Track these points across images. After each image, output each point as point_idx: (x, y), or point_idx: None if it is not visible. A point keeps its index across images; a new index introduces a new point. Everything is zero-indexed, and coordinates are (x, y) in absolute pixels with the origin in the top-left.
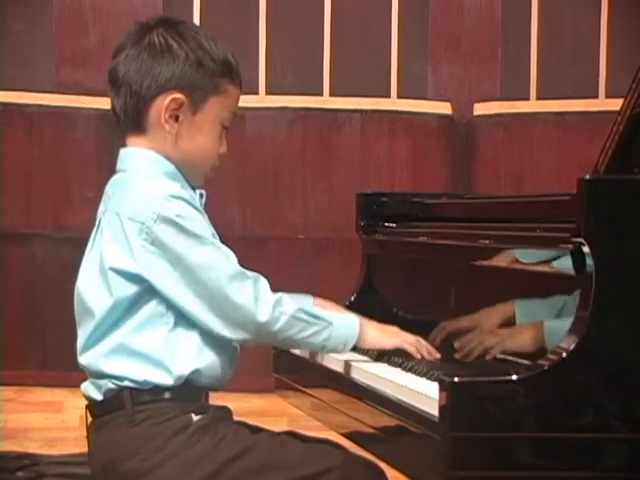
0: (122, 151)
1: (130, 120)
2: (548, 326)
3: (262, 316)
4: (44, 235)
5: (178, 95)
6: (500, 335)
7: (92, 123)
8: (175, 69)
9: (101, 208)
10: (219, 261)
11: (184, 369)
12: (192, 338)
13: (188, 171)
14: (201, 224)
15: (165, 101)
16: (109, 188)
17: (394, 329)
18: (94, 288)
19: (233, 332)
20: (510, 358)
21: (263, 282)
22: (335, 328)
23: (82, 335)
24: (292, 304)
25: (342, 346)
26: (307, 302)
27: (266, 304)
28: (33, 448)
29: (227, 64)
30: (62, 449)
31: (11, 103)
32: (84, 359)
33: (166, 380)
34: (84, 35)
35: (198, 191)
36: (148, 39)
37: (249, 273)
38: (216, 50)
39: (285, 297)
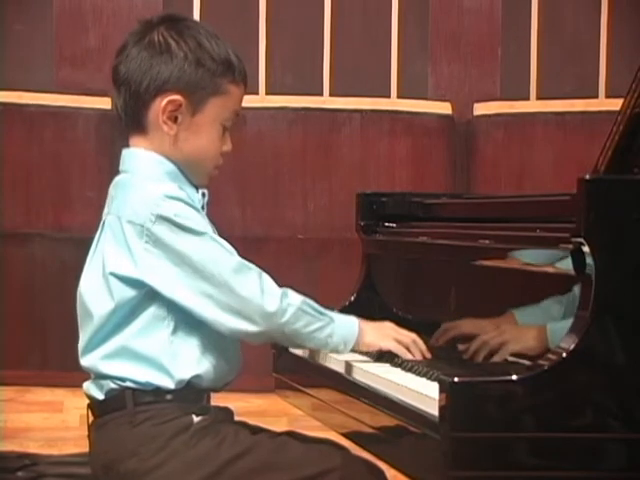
0: (124, 151)
1: (131, 120)
2: (551, 327)
3: (270, 306)
4: (44, 235)
5: (176, 97)
6: (503, 337)
7: (92, 123)
8: (173, 69)
9: (105, 210)
10: (221, 255)
11: (185, 373)
12: (193, 342)
13: (190, 171)
14: (199, 221)
15: (163, 103)
16: (112, 190)
17: (390, 327)
18: (96, 291)
19: (243, 324)
20: (511, 359)
21: (266, 275)
22: (337, 325)
23: (83, 337)
24: (298, 296)
25: (343, 345)
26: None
27: (273, 295)
28: (33, 448)
29: (228, 63)
30: (62, 449)
31: (11, 103)
32: (86, 361)
33: (167, 383)
34: (84, 35)
35: (200, 190)
36: (149, 38)
37: (252, 265)
38: (217, 49)
39: (290, 290)
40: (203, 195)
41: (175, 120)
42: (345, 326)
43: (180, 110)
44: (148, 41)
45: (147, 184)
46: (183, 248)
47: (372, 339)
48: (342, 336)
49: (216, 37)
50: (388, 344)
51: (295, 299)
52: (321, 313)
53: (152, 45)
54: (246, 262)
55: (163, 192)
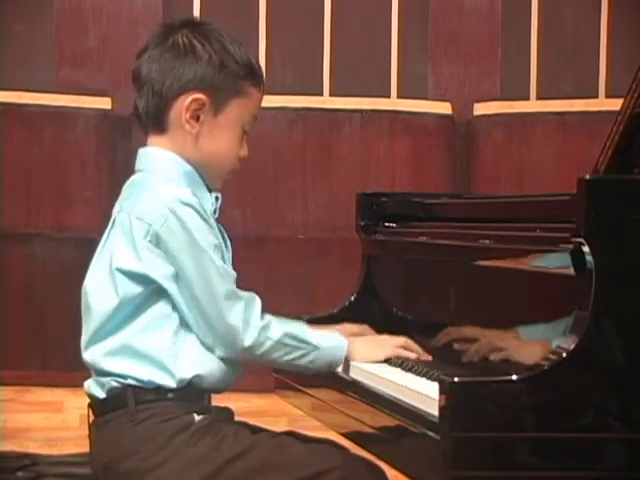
0: (141, 151)
1: (151, 120)
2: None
3: (247, 340)
4: (44, 235)
5: (200, 95)
6: (507, 344)
7: (92, 123)
8: (198, 70)
9: (116, 208)
10: (214, 278)
11: (186, 373)
12: (195, 343)
13: (207, 173)
14: (205, 235)
15: (186, 101)
16: (125, 188)
17: (384, 338)
18: (101, 287)
19: (218, 349)
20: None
21: (256, 304)
22: (321, 351)
23: (87, 332)
24: (279, 329)
25: (326, 368)
26: (297, 325)
27: (253, 328)
28: (33, 448)
29: (250, 67)
30: (62, 449)
31: (11, 103)
32: (88, 355)
33: (169, 382)
34: (84, 35)
35: (214, 194)
36: (172, 40)
37: (242, 294)
38: (240, 53)
39: (274, 322)
40: (217, 199)
41: (197, 119)
42: (330, 351)
43: (203, 109)
44: (172, 43)
45: (162, 185)
46: (182, 258)
47: (366, 355)
48: (325, 362)
49: (238, 42)
50: (386, 352)
51: (275, 333)
52: (304, 342)
53: (176, 46)
54: (237, 291)
55: (177, 196)
